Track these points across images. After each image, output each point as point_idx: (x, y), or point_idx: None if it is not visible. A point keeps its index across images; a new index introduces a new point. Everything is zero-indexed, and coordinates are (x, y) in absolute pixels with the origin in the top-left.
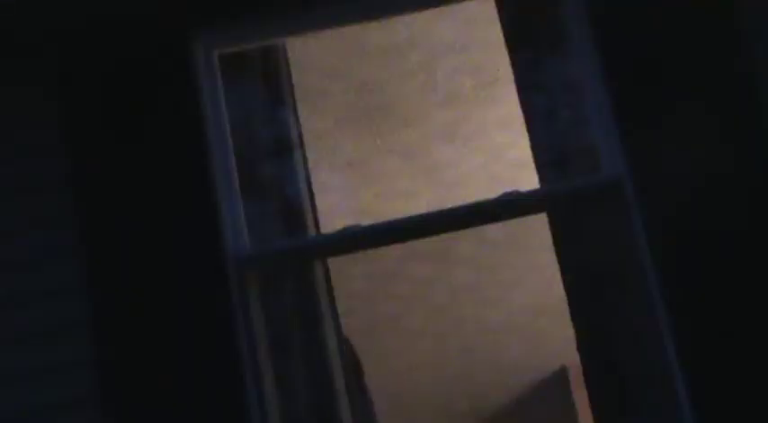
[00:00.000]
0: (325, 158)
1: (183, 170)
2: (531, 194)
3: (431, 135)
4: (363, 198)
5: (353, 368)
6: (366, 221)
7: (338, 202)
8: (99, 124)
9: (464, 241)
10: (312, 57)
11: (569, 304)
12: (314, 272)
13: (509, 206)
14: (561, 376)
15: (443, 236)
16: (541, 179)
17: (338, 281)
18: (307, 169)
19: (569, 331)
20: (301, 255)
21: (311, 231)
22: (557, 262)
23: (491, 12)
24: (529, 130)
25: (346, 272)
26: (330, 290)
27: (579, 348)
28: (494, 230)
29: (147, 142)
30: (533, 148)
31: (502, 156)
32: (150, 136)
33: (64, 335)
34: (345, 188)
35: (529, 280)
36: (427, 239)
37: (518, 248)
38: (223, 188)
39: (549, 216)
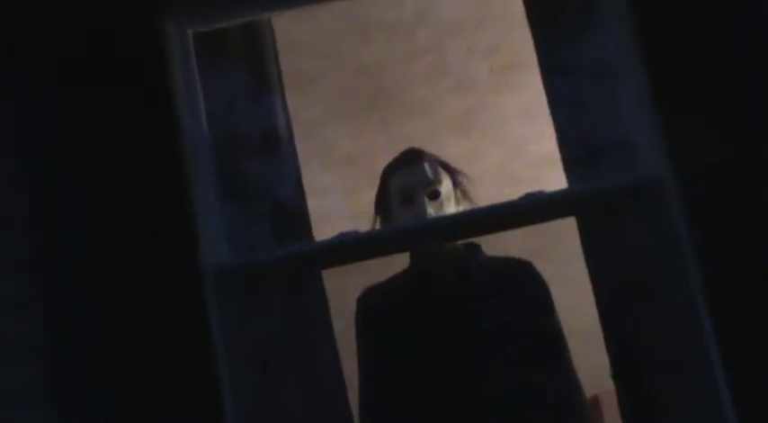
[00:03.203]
0: (318, 154)
1: (155, 169)
2: (557, 196)
3: (441, 127)
4: (362, 200)
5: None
6: (365, 227)
7: (333, 205)
8: (56, 112)
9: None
10: (302, 36)
11: (602, 322)
12: (306, 285)
13: (532, 210)
14: (593, 407)
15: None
16: (569, 178)
17: (335, 294)
18: (297, 166)
19: (601, 357)
20: (291, 266)
21: (302, 239)
22: (587, 274)
23: None
24: (554, 122)
25: (344, 284)
26: (325, 305)
27: (613, 372)
28: (514, 238)
29: (114, 136)
30: (559, 141)
31: (523, 151)
32: (117, 129)
33: (29, 352)
34: (342, 188)
35: (555, 296)
36: None
37: (542, 259)
38: (200, 189)
39: (579, 221)
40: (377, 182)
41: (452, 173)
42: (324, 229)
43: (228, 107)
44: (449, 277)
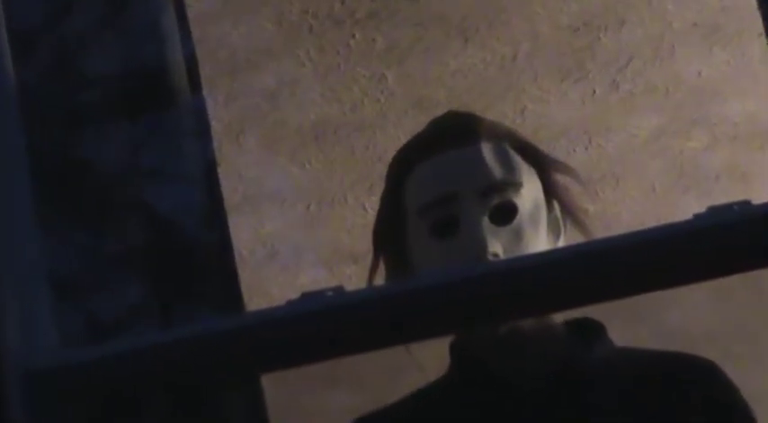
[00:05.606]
0: (250, 117)
1: None
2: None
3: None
4: (348, 220)
5: None
6: (356, 281)
7: (287, 231)
8: None
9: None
10: None
11: None
12: (227, 408)
13: (716, 245)
14: None
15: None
16: None
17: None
18: (209, 153)
19: None
20: (191, 369)
21: (223, 308)
22: None
23: None
24: None
25: (324, 406)
26: None
27: None
28: (685, 305)
29: None
30: None
31: (701, 121)
32: None
33: None
34: (304, 195)
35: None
36: None
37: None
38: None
39: None
40: (380, 182)
41: (543, 164)
42: (267, 282)
43: (58, 38)
44: (529, 386)
